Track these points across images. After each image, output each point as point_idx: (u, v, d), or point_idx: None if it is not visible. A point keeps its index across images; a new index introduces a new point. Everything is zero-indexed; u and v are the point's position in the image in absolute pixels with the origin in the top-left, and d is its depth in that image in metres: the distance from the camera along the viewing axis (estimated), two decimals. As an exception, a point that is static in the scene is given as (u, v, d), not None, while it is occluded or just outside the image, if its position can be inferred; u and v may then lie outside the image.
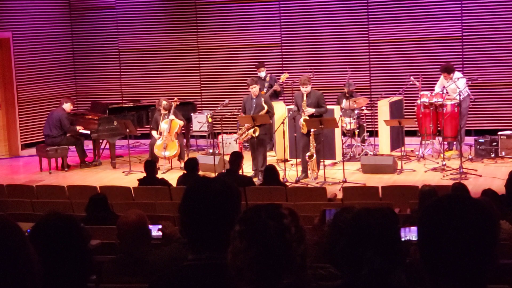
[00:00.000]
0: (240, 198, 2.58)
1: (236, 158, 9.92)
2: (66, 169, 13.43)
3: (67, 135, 13.58)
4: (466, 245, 1.86)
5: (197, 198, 2.50)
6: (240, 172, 10.26)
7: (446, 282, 1.90)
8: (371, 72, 14.78)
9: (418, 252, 1.94)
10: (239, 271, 2.14)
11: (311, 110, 11.48)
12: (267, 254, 2.12)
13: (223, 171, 11.21)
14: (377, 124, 13.36)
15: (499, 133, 12.76)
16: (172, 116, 13.00)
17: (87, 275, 2.50)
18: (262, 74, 13.83)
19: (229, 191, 2.53)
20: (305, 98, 11.50)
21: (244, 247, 2.13)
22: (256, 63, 14.23)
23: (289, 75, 13.73)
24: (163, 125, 12.97)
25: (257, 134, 11.78)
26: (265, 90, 13.47)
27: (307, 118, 11.45)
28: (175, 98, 13.46)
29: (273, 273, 2.13)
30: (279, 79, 14.06)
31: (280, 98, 14.12)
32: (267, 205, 2.25)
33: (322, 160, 11.56)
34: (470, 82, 12.89)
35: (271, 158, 12.93)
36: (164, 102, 13.09)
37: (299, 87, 11.73)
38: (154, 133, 13.15)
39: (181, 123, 13.14)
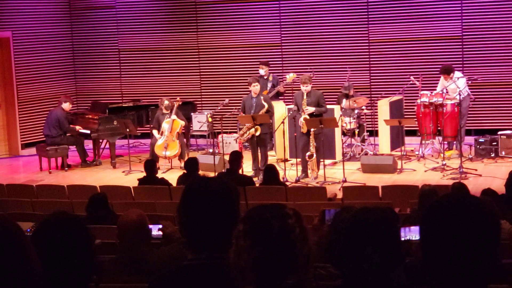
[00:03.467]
0: (239, 198, 2.57)
1: (236, 157, 9.92)
2: (66, 168, 13.43)
3: (67, 134, 13.58)
4: (468, 244, 1.86)
5: (196, 198, 2.50)
6: (240, 171, 10.26)
7: (447, 281, 1.90)
8: (371, 71, 14.78)
9: (419, 251, 1.94)
10: (242, 271, 2.13)
11: (311, 109, 11.47)
12: (270, 254, 2.12)
13: (223, 170, 11.21)
14: (377, 124, 13.35)
15: (499, 132, 12.76)
16: (174, 116, 12.99)
17: (89, 275, 2.50)
18: (262, 71, 13.78)
19: (228, 191, 2.53)
20: (305, 97, 11.50)
21: (247, 247, 2.13)
22: (261, 61, 14.16)
23: (295, 75, 13.59)
24: (165, 125, 12.97)
25: (258, 133, 11.78)
26: (268, 89, 13.46)
27: (307, 117, 11.45)
28: (178, 98, 13.45)
29: (276, 273, 2.12)
30: (281, 80, 14.05)
31: (280, 97, 14.11)
32: (272, 205, 2.24)
33: (322, 160, 11.56)
34: (470, 82, 12.88)
35: (271, 157, 12.92)
36: (166, 102, 13.08)
37: (299, 87, 11.72)
38: (155, 132, 13.14)
39: (183, 123, 13.14)
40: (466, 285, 1.88)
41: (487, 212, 1.90)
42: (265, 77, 13.73)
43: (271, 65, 14.44)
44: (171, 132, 12.91)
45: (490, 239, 1.88)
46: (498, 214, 1.98)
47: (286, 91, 14.11)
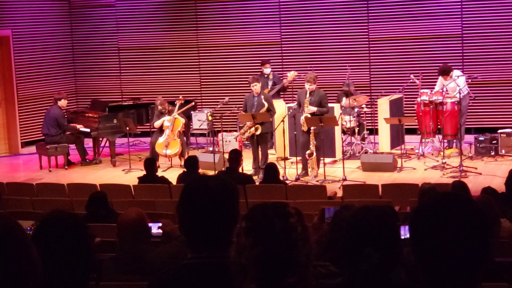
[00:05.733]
0: (238, 196, 2.56)
1: (236, 156, 9.92)
2: (66, 167, 13.43)
3: (67, 133, 13.57)
4: (455, 244, 1.85)
5: (195, 196, 2.50)
6: (240, 170, 10.26)
7: (438, 280, 1.89)
8: (371, 70, 14.77)
9: (411, 252, 1.94)
10: (243, 269, 2.14)
11: (313, 109, 11.46)
12: (272, 252, 2.12)
13: (223, 169, 11.21)
14: (377, 122, 13.35)
15: (499, 131, 12.76)
16: (176, 114, 12.97)
17: (89, 273, 2.50)
18: (267, 70, 13.77)
19: (227, 189, 2.52)
20: (307, 95, 11.49)
21: (249, 245, 2.13)
22: (261, 60, 14.16)
23: (296, 73, 13.56)
24: (166, 123, 12.95)
25: (259, 132, 11.77)
26: (269, 88, 13.46)
27: (308, 116, 11.44)
28: (180, 97, 13.41)
29: (277, 271, 2.13)
30: (281, 77, 14.03)
31: (281, 96, 14.10)
32: (274, 203, 2.24)
33: (322, 158, 11.56)
34: (470, 80, 12.88)
35: (271, 156, 12.92)
36: (160, 107, 13.05)
37: (301, 85, 11.71)
38: (157, 123, 12.96)
39: (183, 120, 13.14)
40: (456, 285, 1.87)
41: (474, 212, 1.89)
42: (266, 76, 13.71)
43: (271, 63, 14.45)
44: (172, 130, 12.89)
45: (478, 240, 1.87)
46: (496, 213, 1.97)
47: (287, 89, 14.09)
